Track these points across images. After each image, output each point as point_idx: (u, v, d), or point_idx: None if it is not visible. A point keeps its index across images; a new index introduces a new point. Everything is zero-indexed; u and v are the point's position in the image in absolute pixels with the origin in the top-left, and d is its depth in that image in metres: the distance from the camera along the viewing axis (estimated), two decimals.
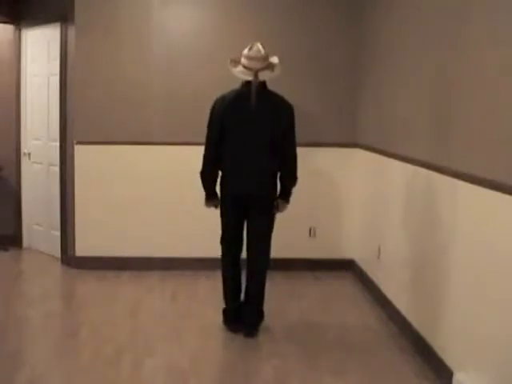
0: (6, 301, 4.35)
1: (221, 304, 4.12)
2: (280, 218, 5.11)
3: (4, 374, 3.15)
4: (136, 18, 4.96)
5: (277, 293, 4.60)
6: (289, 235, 5.16)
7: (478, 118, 2.83)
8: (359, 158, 5.00)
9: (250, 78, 3.59)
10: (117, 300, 4.38)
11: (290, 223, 5.15)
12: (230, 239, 3.84)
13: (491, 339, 2.65)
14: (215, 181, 3.80)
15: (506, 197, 2.51)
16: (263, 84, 3.66)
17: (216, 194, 3.83)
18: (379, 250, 4.36)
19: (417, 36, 3.68)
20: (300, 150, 5.02)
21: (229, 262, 3.86)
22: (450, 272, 3.09)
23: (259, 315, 3.84)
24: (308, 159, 5.10)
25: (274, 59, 3.73)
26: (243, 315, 3.82)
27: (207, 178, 3.77)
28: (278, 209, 3.85)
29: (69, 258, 5.21)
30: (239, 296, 3.88)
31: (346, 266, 5.13)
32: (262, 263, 3.81)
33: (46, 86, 5.43)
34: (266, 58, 3.63)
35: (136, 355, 3.43)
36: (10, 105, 5.62)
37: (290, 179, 3.80)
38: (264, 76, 3.63)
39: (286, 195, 3.84)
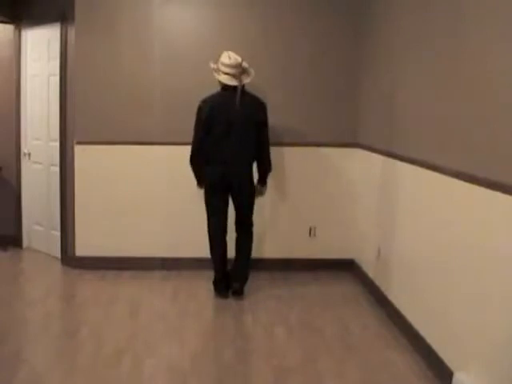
0: (6, 301, 4.35)
1: (220, 304, 4.31)
2: (280, 218, 5.15)
3: (4, 374, 3.15)
4: (136, 18, 4.96)
5: (277, 293, 4.61)
6: (289, 235, 5.17)
7: (478, 117, 2.83)
8: (359, 157, 5.00)
9: (235, 83, 4.24)
10: (117, 300, 4.38)
11: (290, 223, 5.17)
12: (215, 222, 4.44)
13: (491, 339, 2.65)
14: (202, 167, 4.41)
15: (506, 197, 2.51)
16: (242, 87, 4.29)
17: (204, 177, 4.44)
18: (379, 250, 4.36)
19: (416, 35, 3.68)
20: (300, 150, 5.12)
21: (216, 242, 4.47)
22: (450, 272, 3.09)
23: (245, 278, 4.52)
24: (308, 159, 5.12)
25: (245, 64, 4.32)
26: (232, 279, 4.48)
27: (195, 164, 4.40)
28: (258, 193, 4.54)
29: (69, 258, 5.21)
30: (226, 267, 4.50)
31: (346, 266, 5.13)
32: (248, 235, 4.54)
33: (46, 86, 5.43)
34: (241, 64, 4.27)
35: (136, 355, 3.44)
36: (10, 105, 5.61)
37: (266, 167, 4.48)
38: (244, 80, 4.29)
39: (263, 180, 4.53)
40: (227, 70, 4.23)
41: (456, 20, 3.08)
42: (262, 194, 4.58)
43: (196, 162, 4.38)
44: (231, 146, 4.27)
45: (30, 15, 5.45)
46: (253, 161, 4.41)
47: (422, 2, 3.62)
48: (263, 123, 4.36)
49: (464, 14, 2.99)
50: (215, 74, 4.29)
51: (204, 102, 4.31)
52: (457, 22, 3.07)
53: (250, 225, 4.54)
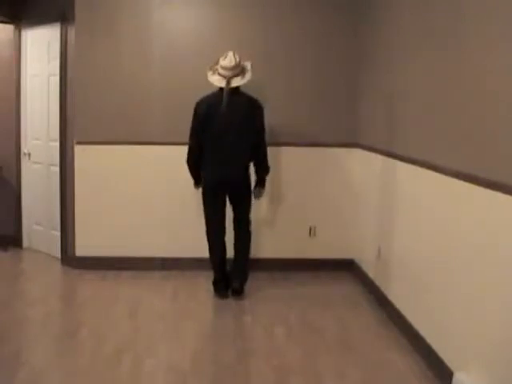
0: (6, 301, 4.35)
1: (220, 304, 4.31)
2: (280, 218, 5.15)
3: (4, 373, 3.15)
4: (136, 18, 4.96)
5: (277, 293, 4.61)
6: (289, 235, 5.17)
7: (478, 117, 2.83)
8: (359, 157, 5.00)
9: (222, 85, 4.20)
10: (117, 300, 4.38)
11: (290, 223, 5.17)
12: (213, 223, 4.45)
13: (491, 339, 2.65)
14: (199, 167, 4.40)
15: (506, 197, 2.51)
16: (236, 88, 4.24)
17: (201, 178, 4.44)
18: (379, 250, 4.36)
19: (416, 35, 3.68)
20: (300, 150, 5.12)
21: (215, 244, 4.48)
22: (450, 272, 3.09)
23: (245, 276, 4.51)
24: (308, 159, 5.12)
25: (247, 65, 4.28)
26: (232, 278, 4.47)
27: (192, 164, 4.38)
28: (257, 195, 4.54)
29: (69, 258, 5.21)
30: (225, 268, 4.50)
31: (346, 266, 5.13)
32: (246, 234, 4.52)
33: (46, 86, 5.43)
34: (237, 66, 4.21)
35: (136, 355, 3.43)
36: (10, 105, 5.62)
37: (264, 169, 4.45)
38: (235, 83, 4.21)
39: (261, 183, 4.50)
40: (220, 70, 4.22)
41: (456, 20, 3.08)
42: (259, 196, 4.57)
43: (193, 158, 4.36)
44: (227, 146, 4.26)
45: (30, 15, 5.45)
46: (249, 161, 4.40)
47: (422, 2, 3.62)
48: (259, 125, 4.33)
49: (464, 14, 2.99)
50: (209, 73, 4.27)
51: (202, 100, 4.31)
52: (457, 22, 3.07)
53: (248, 223, 4.53)
